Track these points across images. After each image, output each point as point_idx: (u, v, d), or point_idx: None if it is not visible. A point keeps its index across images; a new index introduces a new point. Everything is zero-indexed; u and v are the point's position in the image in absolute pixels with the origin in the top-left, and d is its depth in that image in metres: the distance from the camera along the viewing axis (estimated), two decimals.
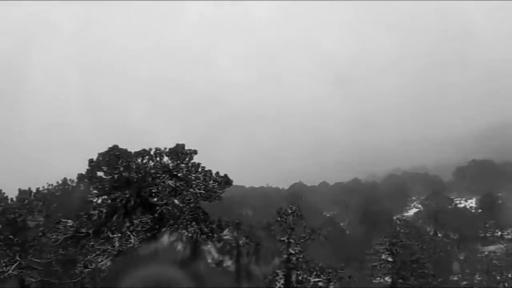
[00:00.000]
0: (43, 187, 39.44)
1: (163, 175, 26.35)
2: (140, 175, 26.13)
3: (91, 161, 25.98)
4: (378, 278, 43.53)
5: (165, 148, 27.18)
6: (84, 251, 24.84)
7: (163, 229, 24.98)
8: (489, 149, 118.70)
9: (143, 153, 26.66)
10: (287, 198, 75.51)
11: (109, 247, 24.83)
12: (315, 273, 26.60)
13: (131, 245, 24.05)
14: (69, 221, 24.92)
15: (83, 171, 25.76)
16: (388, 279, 42.46)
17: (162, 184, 26.07)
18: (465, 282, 52.34)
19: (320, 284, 26.61)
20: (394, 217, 64.30)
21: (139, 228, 25.46)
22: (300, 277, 26.47)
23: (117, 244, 24.24)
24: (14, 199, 29.48)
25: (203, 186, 26.37)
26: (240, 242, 21.16)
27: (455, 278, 53.51)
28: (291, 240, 27.35)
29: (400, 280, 41.05)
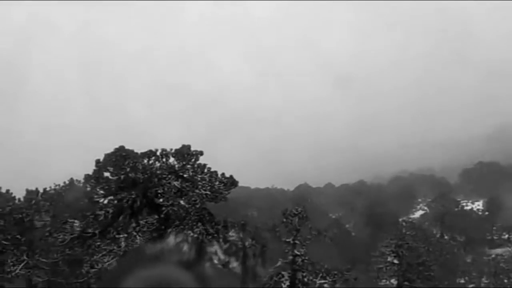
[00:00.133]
0: (50, 187, 39.71)
1: (169, 176, 26.43)
2: (146, 176, 26.23)
3: (97, 161, 26.12)
4: (384, 281, 43.33)
5: (171, 149, 27.26)
6: (90, 251, 24.96)
7: (169, 230, 25.05)
8: (496, 151, 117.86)
9: (150, 154, 26.76)
10: (292, 199, 75.37)
11: (115, 247, 24.94)
12: (320, 274, 26.52)
13: (137, 245, 24.14)
14: (75, 221, 25.07)
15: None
16: (394, 281, 42.25)
17: (168, 185, 26.15)
18: (472, 285, 51.96)
19: (325, 286, 26.53)
20: (400, 219, 63.99)
21: (145, 229, 25.55)
22: (305, 279, 26.40)
23: (123, 244, 24.34)
24: (22, 199, 29.70)
25: (209, 187, 26.41)
26: (246, 243, 21.15)
27: (462, 281, 53.11)
28: (297, 242, 27.28)
29: (406, 283, 40.82)
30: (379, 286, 43.21)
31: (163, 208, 25.79)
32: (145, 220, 25.83)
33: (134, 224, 25.61)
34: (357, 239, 64.16)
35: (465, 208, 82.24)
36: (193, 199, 25.98)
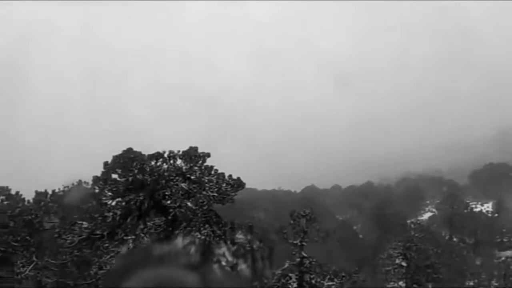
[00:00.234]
0: (59, 189, 40.05)
1: (177, 177, 26.53)
2: (153, 177, 26.35)
3: (106, 163, 26.30)
4: (392, 283, 43.03)
5: (179, 151, 27.36)
6: (98, 252, 25.11)
7: (176, 232, 25.13)
8: (505, 152, 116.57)
9: (157, 156, 26.89)
10: (299, 201, 75.25)
11: (123, 249, 25.05)
12: (328, 276, 26.43)
13: (138, 246, 24.26)
14: (84, 223, 25.24)
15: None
16: (402, 283, 41.96)
17: (176, 186, 26.24)
18: None
19: (333, 287, 26.43)
20: (408, 221, 63.52)
21: (152, 230, 25.65)
22: (313, 281, 26.32)
23: (131, 246, 24.45)
24: (30, 200, 29.98)
25: (216, 189, 26.46)
26: (255, 246, 21.12)
27: (471, 283, 52.61)
28: (304, 243, 27.22)
29: (415, 285, 40.54)
30: None
31: (171, 210, 25.88)
32: (152, 222, 25.92)
33: (142, 226, 25.71)
34: (364, 241, 63.89)
35: (474, 209, 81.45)
36: (200, 200, 26.04)
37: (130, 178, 26.04)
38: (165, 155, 27.07)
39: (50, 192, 30.86)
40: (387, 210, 72.44)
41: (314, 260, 26.90)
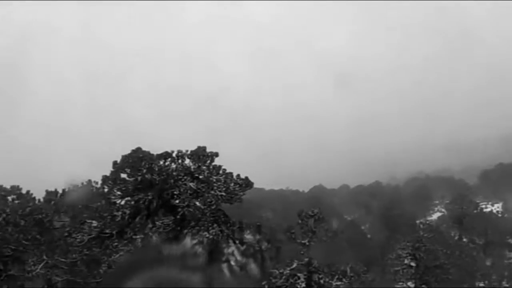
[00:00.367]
0: (69, 188, 40.38)
1: (185, 177, 26.64)
2: (162, 177, 26.49)
3: (115, 163, 26.50)
4: (401, 283, 42.77)
5: (187, 151, 27.47)
6: (108, 251, 25.30)
7: (185, 231, 25.24)
8: None
9: (165, 155, 27.02)
10: (307, 200, 75.08)
11: (132, 248, 25.22)
12: (336, 276, 26.37)
13: (138, 247, 24.41)
14: (93, 222, 25.46)
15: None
16: (411, 284, 41.70)
17: (184, 186, 26.35)
18: None
19: (341, 287, 26.35)
20: (417, 221, 63.09)
21: (161, 230, 25.78)
22: (321, 281, 26.27)
23: (140, 245, 24.61)
24: (41, 199, 30.28)
25: (224, 188, 26.52)
26: (263, 247, 21.18)
27: (481, 284, 52.11)
28: (312, 243, 27.18)
29: (424, 286, 40.26)
30: None
31: (179, 209, 26.00)
32: (161, 221, 26.05)
33: (150, 225, 25.87)
34: (372, 241, 63.60)
35: (484, 210, 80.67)
36: (208, 200, 26.12)
37: (139, 178, 26.21)
38: (174, 154, 27.20)
39: (60, 191, 31.17)
40: (396, 210, 72.00)
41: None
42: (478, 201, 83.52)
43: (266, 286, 23.15)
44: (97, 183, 29.07)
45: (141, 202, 26.04)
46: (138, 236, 25.40)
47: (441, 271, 40.28)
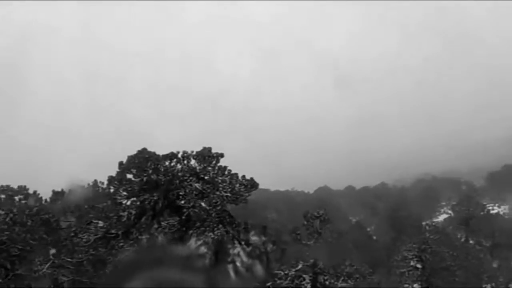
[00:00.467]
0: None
1: (190, 178, 26.71)
2: (168, 177, 26.58)
3: (121, 163, 26.64)
4: (407, 285, 42.51)
5: (192, 151, 27.55)
6: (113, 251, 25.41)
7: (190, 231, 25.30)
8: None
9: (171, 156, 27.11)
10: (312, 202, 74.97)
11: (138, 248, 25.31)
12: (342, 278, 26.29)
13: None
14: (99, 222, 25.59)
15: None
16: (417, 286, 41.45)
17: (189, 186, 26.42)
18: None
19: None
20: (423, 223, 62.69)
21: (166, 230, 25.86)
22: (327, 282, 26.20)
23: (145, 245, 24.70)
24: (48, 199, 30.50)
25: (229, 189, 26.56)
26: (268, 248, 21.19)
27: (488, 287, 51.69)
28: (318, 244, 27.11)
29: None
30: None
31: (184, 210, 26.06)
32: (166, 222, 26.14)
33: (156, 226, 25.97)
34: (378, 242, 63.28)
35: (491, 212, 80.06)
36: (214, 201, 26.17)
37: (145, 178, 26.32)
38: (179, 155, 27.28)
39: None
40: (402, 212, 71.62)
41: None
42: (484, 203, 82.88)
43: (272, 287, 23.13)
44: (102, 183, 29.25)
45: (146, 202, 26.14)
46: (143, 237, 25.51)
47: (448, 273, 40.01)
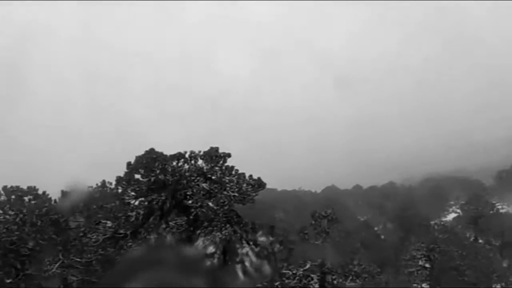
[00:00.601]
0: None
1: (198, 178, 26.77)
2: (175, 177, 26.66)
3: (129, 164, 26.76)
4: (415, 285, 42.28)
5: (200, 151, 27.61)
6: (122, 251, 25.55)
7: (198, 231, 25.36)
8: None
9: (178, 156, 27.19)
10: (319, 201, 74.76)
11: (142, 247, 25.42)
12: (350, 277, 26.20)
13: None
14: (108, 222, 25.75)
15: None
16: (425, 286, 41.21)
17: (197, 186, 26.48)
18: None
19: None
20: (432, 222, 62.28)
21: (174, 230, 25.95)
22: (335, 281, 26.13)
23: (153, 245, 24.79)
24: (57, 200, 30.73)
25: (236, 189, 26.57)
26: (276, 248, 21.17)
27: (498, 286, 51.19)
28: (326, 244, 27.05)
29: (438, 287, 39.73)
30: None
31: (192, 210, 26.13)
32: (174, 222, 26.23)
33: (164, 225, 26.06)
34: (386, 242, 62.95)
35: (501, 211, 79.23)
36: (221, 200, 26.20)
37: (153, 178, 26.42)
38: (186, 155, 27.35)
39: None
40: (410, 211, 71.19)
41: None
42: (494, 202, 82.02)
43: (280, 287, 23.11)
44: (111, 183, 29.42)
45: (154, 202, 26.25)
46: (151, 236, 25.62)
47: (457, 272, 39.73)
